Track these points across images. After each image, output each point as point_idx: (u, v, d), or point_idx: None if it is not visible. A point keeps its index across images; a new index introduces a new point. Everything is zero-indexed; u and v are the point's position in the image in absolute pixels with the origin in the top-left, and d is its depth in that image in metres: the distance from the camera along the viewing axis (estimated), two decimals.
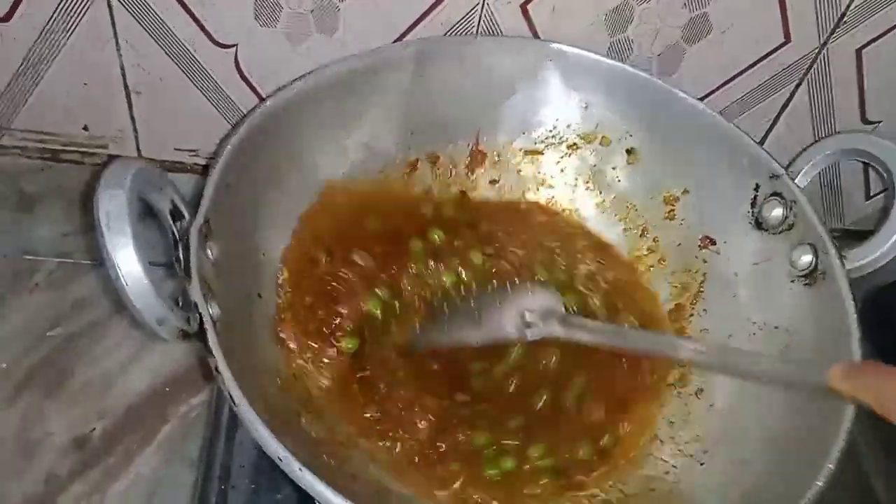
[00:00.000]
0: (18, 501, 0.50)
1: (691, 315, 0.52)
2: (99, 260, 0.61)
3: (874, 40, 0.55)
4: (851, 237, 0.48)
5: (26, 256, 0.62)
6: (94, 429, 0.54)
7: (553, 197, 0.57)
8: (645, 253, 0.55)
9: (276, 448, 0.32)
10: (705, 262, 0.52)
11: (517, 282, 0.50)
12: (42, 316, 0.59)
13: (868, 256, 0.45)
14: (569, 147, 0.56)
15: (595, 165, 0.56)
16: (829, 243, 0.45)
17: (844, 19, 0.53)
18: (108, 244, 0.31)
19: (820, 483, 0.37)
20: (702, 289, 0.52)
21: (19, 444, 0.53)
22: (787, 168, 0.49)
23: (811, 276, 0.46)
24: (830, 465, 0.37)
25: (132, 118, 0.56)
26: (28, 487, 0.51)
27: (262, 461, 0.46)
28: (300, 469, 0.32)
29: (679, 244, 0.53)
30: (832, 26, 0.54)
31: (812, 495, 0.36)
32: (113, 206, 0.32)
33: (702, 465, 0.44)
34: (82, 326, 0.59)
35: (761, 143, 0.60)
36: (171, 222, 0.37)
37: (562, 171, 0.56)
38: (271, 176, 0.46)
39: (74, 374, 0.57)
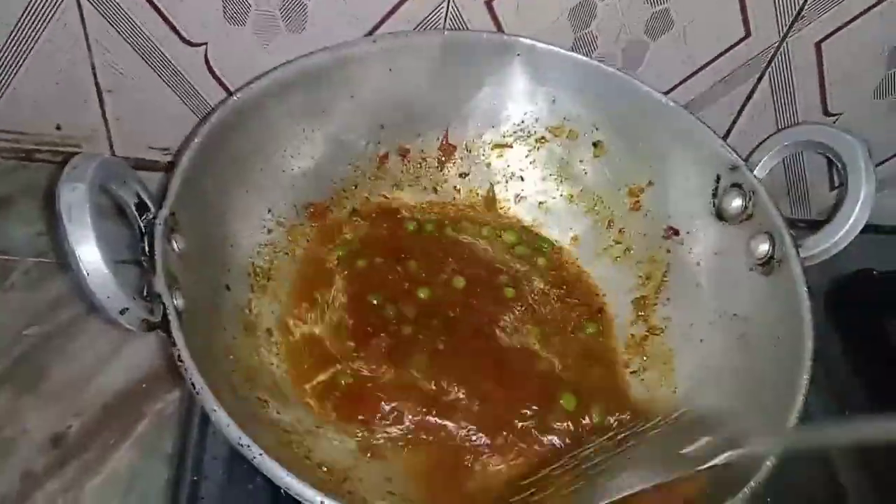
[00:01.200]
0: None
1: (655, 304, 0.52)
2: (62, 260, 0.61)
3: (833, 33, 0.56)
4: (817, 227, 0.49)
5: (1, 256, 0.62)
6: (71, 426, 0.54)
7: (522, 189, 0.58)
8: (611, 244, 0.55)
9: (236, 434, 0.33)
10: (669, 252, 0.53)
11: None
12: (18, 315, 0.59)
13: (822, 245, 0.46)
14: (537, 140, 0.57)
15: (563, 158, 0.57)
16: (784, 232, 0.46)
17: (803, 13, 0.54)
18: (69, 236, 0.32)
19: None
20: (665, 278, 0.53)
21: None
22: (746, 160, 0.50)
23: (768, 264, 0.47)
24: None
25: (104, 117, 0.57)
26: (4, 485, 0.51)
27: (235, 452, 0.46)
28: (260, 455, 0.33)
29: (644, 234, 0.54)
30: (791, 20, 0.55)
31: None
32: (74, 198, 0.32)
33: None
34: (58, 325, 0.59)
35: (726, 136, 0.61)
36: (137, 215, 0.38)
37: (531, 163, 0.57)
38: (239, 169, 0.47)
39: (50, 372, 0.57)
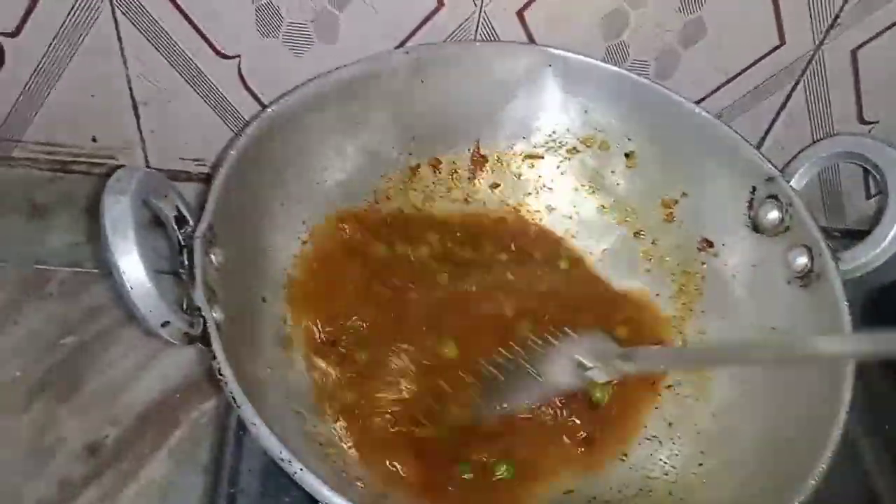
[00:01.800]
0: None
1: (689, 317, 0.52)
2: (102, 266, 0.62)
3: (869, 41, 0.55)
4: (852, 237, 0.48)
5: (38, 266, 0.63)
6: (107, 435, 0.55)
7: (553, 200, 0.57)
8: (644, 256, 0.55)
9: (277, 448, 0.33)
10: (703, 264, 0.52)
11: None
12: (54, 324, 0.60)
13: (862, 258, 0.46)
14: (568, 151, 0.56)
15: (595, 169, 0.56)
16: (823, 245, 0.45)
17: (838, 20, 0.53)
18: (113, 248, 0.32)
19: (812, 482, 0.37)
20: (700, 291, 0.52)
21: (33, 449, 0.54)
22: (782, 170, 0.49)
23: (806, 277, 0.46)
24: (823, 466, 0.38)
25: (139, 129, 0.57)
26: (42, 492, 0.52)
27: (271, 465, 0.46)
28: (301, 470, 0.33)
29: (678, 246, 0.54)
30: (826, 27, 0.54)
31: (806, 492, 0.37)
32: (117, 212, 0.32)
33: (700, 465, 0.45)
34: (94, 334, 0.60)
35: (759, 145, 0.60)
36: (176, 228, 0.38)
37: (562, 174, 0.57)
38: (274, 181, 0.47)
39: (86, 381, 0.58)
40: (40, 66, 0.53)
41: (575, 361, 0.45)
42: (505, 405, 0.46)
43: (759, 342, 0.43)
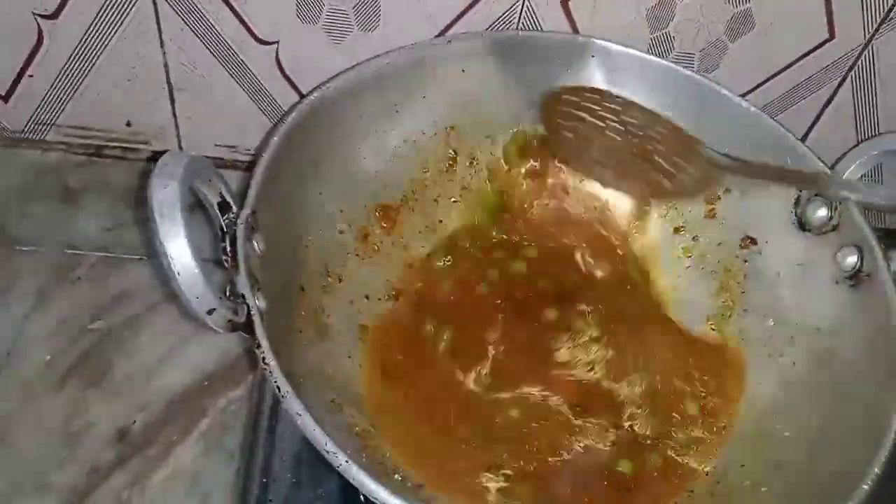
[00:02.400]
0: (62, 490, 0.51)
1: (731, 315, 0.51)
2: (147, 253, 0.62)
3: None
4: (892, 237, 0.47)
5: (68, 251, 0.63)
6: (135, 421, 0.55)
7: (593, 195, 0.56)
8: (685, 252, 0.54)
9: (322, 440, 0.32)
10: (746, 262, 0.51)
11: None
12: (84, 309, 0.60)
13: None
14: None
15: None
16: (875, 244, 0.44)
17: (891, 16, 0.52)
18: (162, 233, 0.32)
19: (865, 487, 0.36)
20: (742, 289, 0.51)
21: (63, 434, 0.54)
22: (832, 168, 0.48)
23: (856, 277, 0.45)
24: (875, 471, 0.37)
25: (174, 114, 0.57)
26: (72, 477, 0.52)
27: (304, 455, 0.47)
28: (346, 462, 0.32)
29: (720, 243, 0.53)
30: (878, 23, 0.53)
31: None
32: (166, 196, 0.32)
33: (742, 466, 0.44)
34: (123, 320, 0.60)
35: (803, 139, 0.59)
36: (220, 214, 0.37)
37: None
38: (314, 169, 0.46)
39: (115, 366, 0.58)
40: (78, 49, 0.52)
41: None
42: None
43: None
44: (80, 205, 0.61)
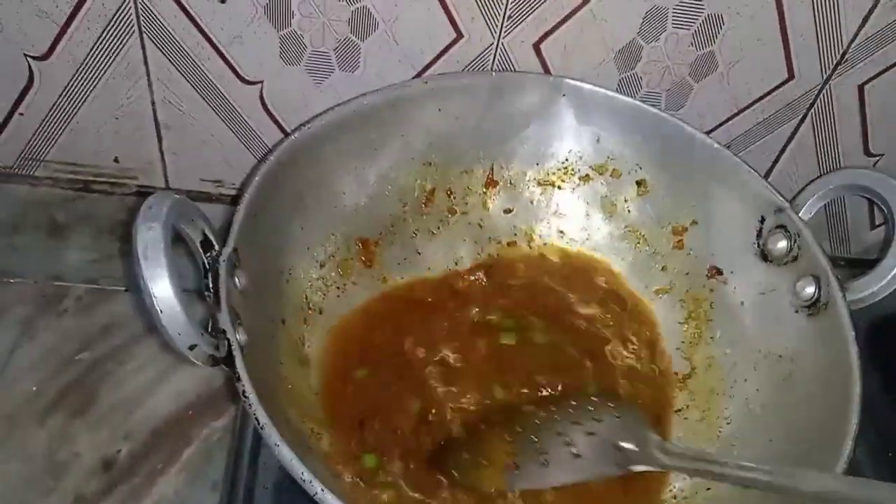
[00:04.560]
0: None
1: (698, 343, 0.53)
2: (131, 287, 0.63)
3: (875, 76, 0.56)
4: (856, 265, 0.49)
5: (56, 282, 0.64)
6: (120, 450, 0.56)
7: (565, 226, 0.58)
8: (654, 282, 0.56)
9: (299, 469, 0.34)
10: (712, 291, 0.53)
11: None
12: (70, 340, 0.61)
13: (869, 289, 0.47)
14: (581, 179, 0.58)
15: (606, 197, 0.58)
16: (831, 275, 0.46)
17: (846, 57, 0.55)
18: (145, 274, 0.33)
19: None
20: (709, 317, 0.53)
21: (48, 464, 0.54)
22: (791, 201, 0.50)
23: (814, 306, 0.47)
24: None
25: (161, 150, 0.58)
26: None
27: (286, 483, 0.47)
28: (322, 490, 0.33)
29: (687, 273, 0.55)
30: (835, 63, 0.55)
31: None
32: (150, 238, 0.34)
33: (707, 489, 0.45)
34: (109, 351, 0.61)
35: (767, 175, 0.61)
36: (202, 252, 0.39)
37: (574, 201, 0.58)
38: (296, 205, 0.48)
39: (101, 396, 0.58)
40: (67, 88, 0.54)
41: (615, 445, 0.45)
42: (545, 481, 0.45)
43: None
44: (67, 238, 0.62)
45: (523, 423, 0.47)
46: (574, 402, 0.48)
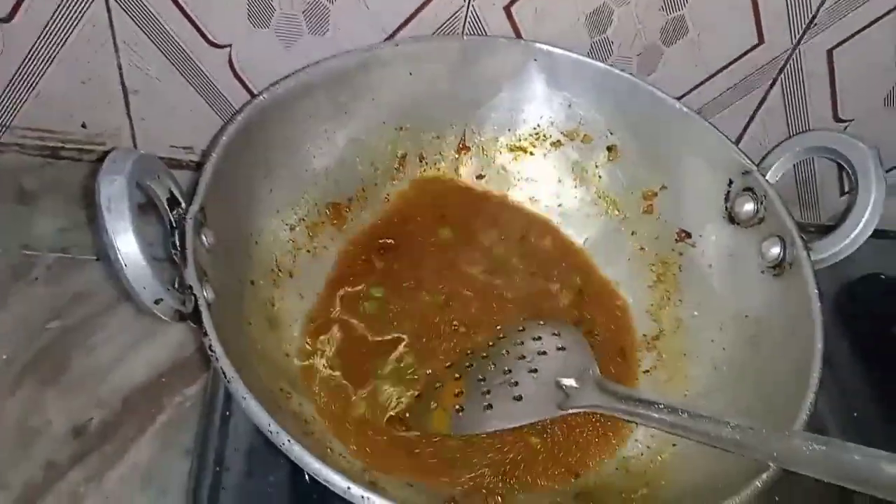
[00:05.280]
0: (18, 487, 0.52)
1: (667, 306, 0.53)
2: (102, 256, 0.63)
3: (845, 41, 0.57)
4: (826, 232, 0.50)
5: (25, 251, 0.63)
6: (92, 418, 0.56)
7: (537, 192, 0.59)
8: (624, 246, 0.56)
9: (266, 420, 0.34)
10: (681, 254, 0.54)
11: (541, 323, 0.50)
12: (41, 309, 0.61)
13: (832, 248, 0.48)
14: (552, 144, 0.58)
15: (577, 162, 0.58)
16: (796, 236, 0.47)
17: (815, 21, 0.55)
18: (109, 226, 0.33)
19: None
20: (677, 280, 0.54)
21: (19, 432, 0.54)
22: (758, 164, 0.51)
23: (779, 267, 0.48)
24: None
25: (129, 116, 0.58)
26: (28, 474, 0.52)
27: (256, 445, 0.48)
28: (288, 441, 0.34)
29: (657, 237, 0.55)
30: (804, 27, 0.56)
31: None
32: (113, 191, 0.33)
33: (674, 445, 0.46)
34: (80, 319, 0.60)
35: (738, 141, 0.62)
36: (168, 210, 0.39)
37: (545, 167, 0.58)
38: (264, 167, 0.48)
39: (72, 365, 0.58)
40: (32, 52, 0.53)
41: (556, 383, 0.46)
42: (485, 427, 0.45)
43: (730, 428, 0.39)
44: (37, 206, 0.61)
45: (473, 358, 0.47)
46: (521, 329, 0.49)
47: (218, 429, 0.49)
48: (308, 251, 0.51)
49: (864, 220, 0.46)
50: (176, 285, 0.37)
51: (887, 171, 0.62)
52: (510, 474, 0.45)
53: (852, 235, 0.47)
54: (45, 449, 0.53)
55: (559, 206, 0.58)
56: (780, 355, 0.45)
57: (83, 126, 0.58)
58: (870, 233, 0.47)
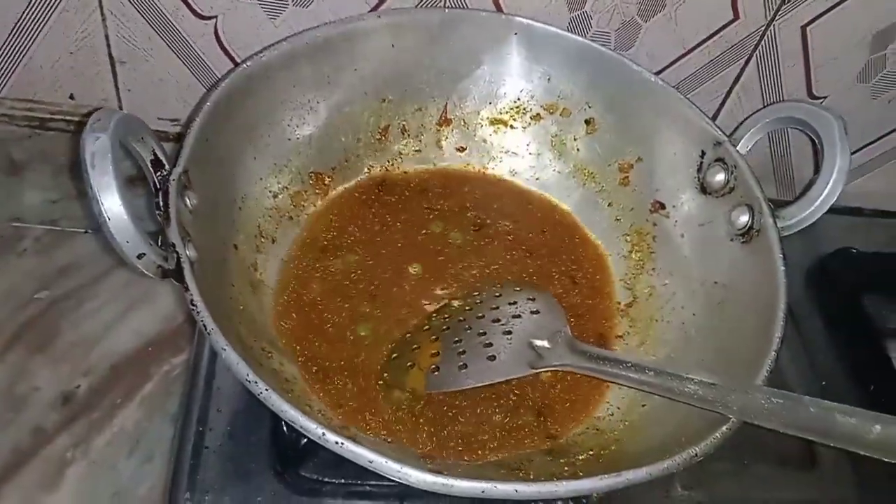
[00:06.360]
0: (6, 452, 0.52)
1: (640, 274, 0.55)
2: (91, 228, 0.63)
3: (818, 17, 0.58)
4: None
5: (14, 223, 0.64)
6: (80, 385, 0.56)
7: (516, 164, 0.60)
8: (601, 217, 0.58)
9: (244, 370, 0.35)
10: (655, 225, 0.55)
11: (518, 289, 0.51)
12: (29, 280, 0.61)
13: (798, 215, 0.49)
14: (532, 117, 0.59)
15: (556, 135, 0.59)
16: (763, 203, 0.48)
17: None
18: (93, 182, 0.34)
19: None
20: (651, 250, 0.55)
21: (7, 398, 0.55)
22: (730, 136, 0.52)
23: (747, 234, 0.49)
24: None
25: (116, 87, 0.59)
26: (16, 439, 0.53)
27: (239, 405, 0.49)
28: (266, 390, 0.35)
29: (632, 209, 0.56)
30: (778, 3, 0.57)
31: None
32: (97, 147, 0.34)
33: (643, 406, 0.47)
34: (68, 290, 0.61)
35: (714, 116, 0.63)
36: (153, 171, 0.40)
37: (525, 140, 0.60)
38: (247, 135, 0.49)
39: (61, 334, 0.59)
40: (19, 22, 0.54)
41: (529, 344, 0.47)
42: (460, 384, 0.46)
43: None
44: (25, 177, 0.62)
45: (450, 321, 0.49)
46: (497, 293, 0.50)
47: (202, 390, 0.50)
48: (291, 218, 0.52)
49: (828, 187, 0.48)
50: (159, 243, 0.38)
51: (860, 149, 0.64)
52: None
53: (817, 202, 0.48)
54: (33, 415, 0.54)
55: (537, 178, 0.59)
56: (746, 317, 0.46)
57: (71, 97, 0.59)
58: (834, 199, 0.48)
